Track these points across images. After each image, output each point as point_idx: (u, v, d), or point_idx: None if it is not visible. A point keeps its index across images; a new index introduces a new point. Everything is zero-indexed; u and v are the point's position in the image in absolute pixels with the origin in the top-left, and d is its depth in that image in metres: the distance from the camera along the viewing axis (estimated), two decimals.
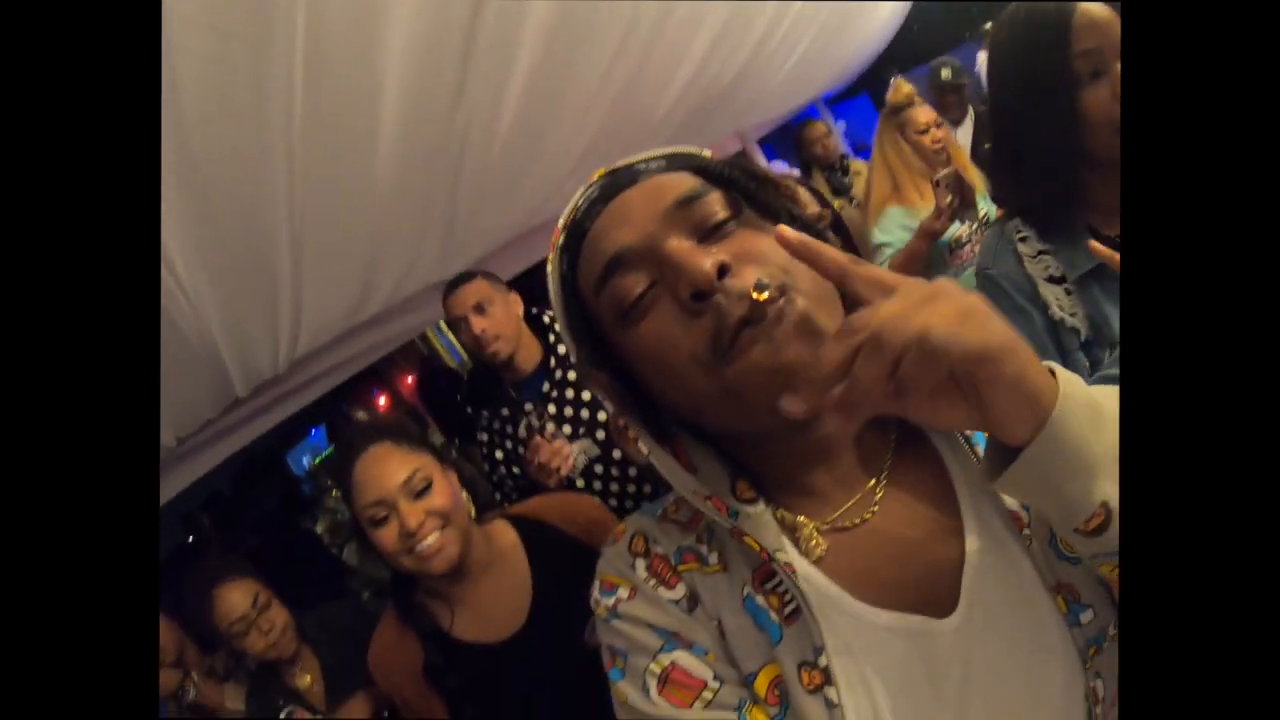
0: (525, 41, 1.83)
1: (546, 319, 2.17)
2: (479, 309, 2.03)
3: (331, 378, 2.74)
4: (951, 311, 0.49)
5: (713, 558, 0.70)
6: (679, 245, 0.62)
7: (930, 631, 0.63)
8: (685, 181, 0.67)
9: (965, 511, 0.67)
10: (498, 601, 1.40)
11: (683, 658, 0.66)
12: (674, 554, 0.72)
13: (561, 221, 0.73)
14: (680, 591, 0.69)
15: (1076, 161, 1.13)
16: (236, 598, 1.90)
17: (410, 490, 1.33)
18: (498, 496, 2.11)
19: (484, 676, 1.36)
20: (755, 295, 0.58)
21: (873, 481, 0.69)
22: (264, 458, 5.09)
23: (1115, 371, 1.02)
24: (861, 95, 8.30)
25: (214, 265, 1.66)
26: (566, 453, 1.86)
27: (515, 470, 2.06)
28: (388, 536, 1.32)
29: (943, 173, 2.24)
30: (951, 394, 0.50)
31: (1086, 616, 0.63)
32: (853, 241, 1.50)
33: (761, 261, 0.61)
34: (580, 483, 1.96)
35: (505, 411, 2.07)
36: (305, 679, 1.94)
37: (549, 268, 0.73)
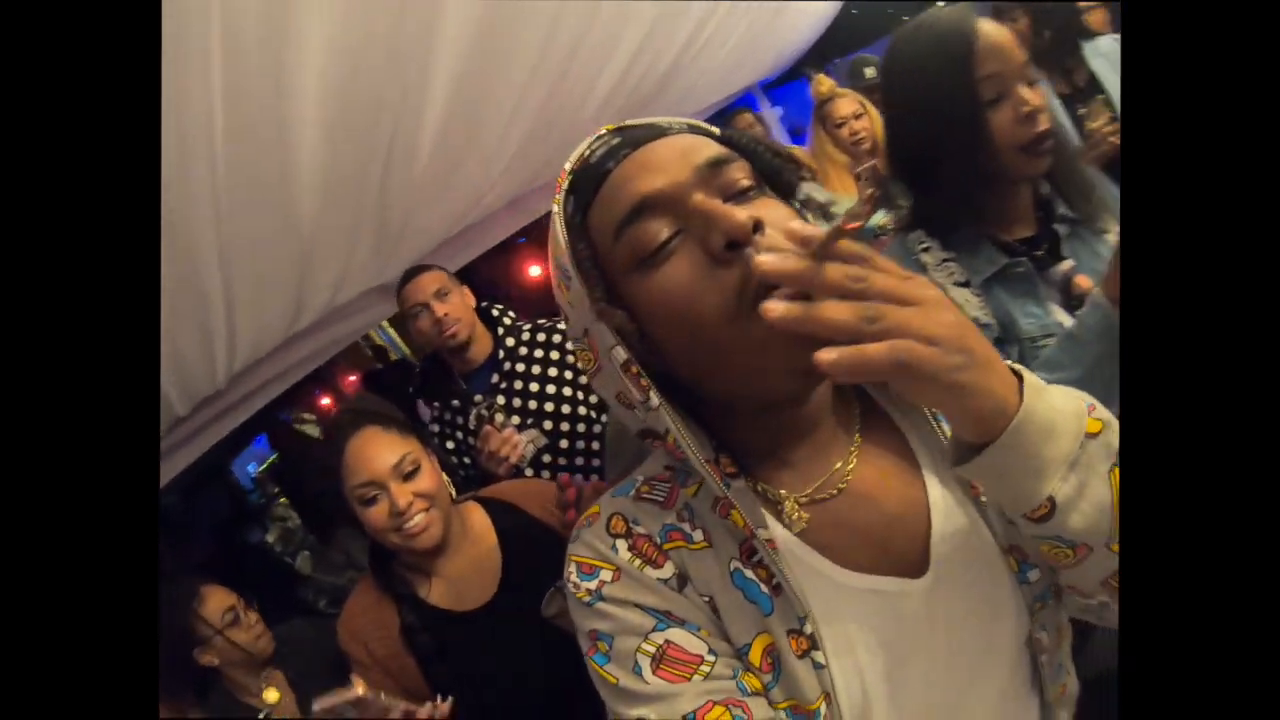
0: (447, 47, 1.83)
1: (495, 312, 2.22)
2: (439, 295, 2.10)
3: (272, 388, 2.73)
4: (953, 322, 0.54)
5: (697, 535, 0.71)
6: (711, 199, 0.63)
7: (905, 592, 0.69)
8: (713, 146, 0.68)
9: (929, 481, 0.73)
10: (470, 575, 1.49)
11: (677, 634, 0.67)
12: (659, 533, 0.72)
13: (569, 165, 0.71)
14: (669, 570, 0.70)
15: (980, 178, 1.19)
16: (222, 594, 1.90)
17: (400, 472, 1.43)
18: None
19: (457, 641, 1.44)
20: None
21: (845, 455, 0.74)
22: (209, 470, 5.00)
23: (1045, 376, 1.07)
24: (800, 80, 8.37)
25: None
26: (516, 441, 1.90)
27: (466, 460, 2.11)
28: (378, 515, 1.42)
29: (863, 166, 2.32)
30: (937, 389, 0.54)
31: (1034, 575, 0.71)
32: None
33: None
34: (529, 472, 2.01)
35: (456, 403, 2.13)
36: (272, 694, 1.93)
37: (554, 208, 0.71)
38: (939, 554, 0.70)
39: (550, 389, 2.06)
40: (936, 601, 0.69)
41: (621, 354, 0.67)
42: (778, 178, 0.72)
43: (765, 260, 0.54)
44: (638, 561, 0.70)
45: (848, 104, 2.67)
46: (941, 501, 0.72)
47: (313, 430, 5.26)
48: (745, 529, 0.67)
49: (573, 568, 0.73)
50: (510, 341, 2.13)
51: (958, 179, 1.18)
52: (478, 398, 2.05)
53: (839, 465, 0.73)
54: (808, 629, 0.66)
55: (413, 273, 2.16)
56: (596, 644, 0.69)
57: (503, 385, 2.08)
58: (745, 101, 6.59)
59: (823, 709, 0.66)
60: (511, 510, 1.58)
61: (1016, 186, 1.24)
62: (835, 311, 0.52)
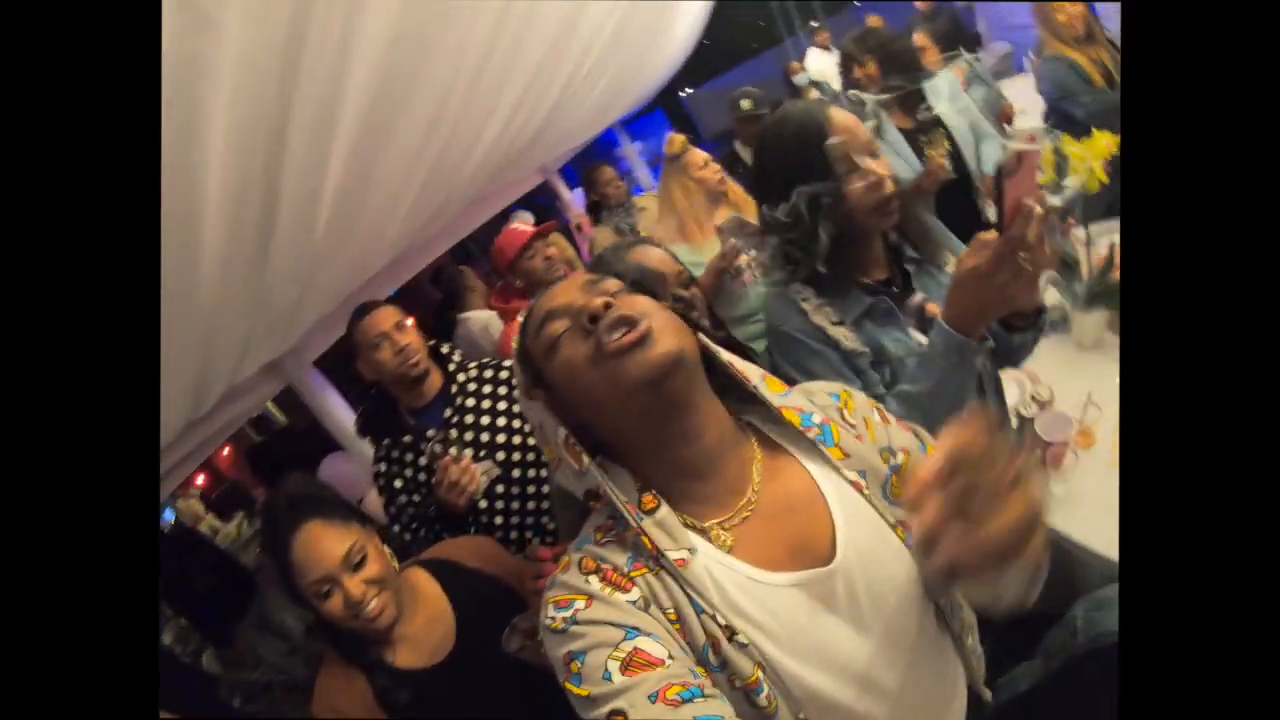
0: (348, 110, 1.81)
1: (444, 349, 2.24)
2: (398, 327, 2.11)
3: (170, 480, 2.56)
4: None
5: (654, 563, 0.88)
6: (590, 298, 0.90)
7: (819, 579, 0.88)
8: (589, 273, 0.98)
9: (820, 481, 0.93)
10: (426, 633, 1.55)
11: (644, 642, 0.81)
12: (625, 564, 0.88)
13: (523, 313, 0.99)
14: (635, 594, 0.86)
15: (841, 237, 1.40)
16: None
17: (349, 564, 1.46)
18: (395, 529, 2.13)
19: (428, 695, 1.50)
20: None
21: (753, 481, 0.93)
22: None
23: (908, 388, 1.28)
24: (656, 112, 8.64)
25: None
26: (474, 471, 1.94)
27: (415, 498, 2.08)
28: (334, 607, 1.45)
29: (725, 220, 2.63)
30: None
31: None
32: (711, 307, 1.69)
33: (632, 306, 0.88)
34: (483, 502, 2.02)
35: (407, 439, 2.11)
36: None
37: (514, 339, 0.99)
38: (844, 538, 0.89)
39: (501, 421, 2.09)
40: (850, 577, 0.88)
41: (562, 432, 0.91)
42: (642, 282, 0.99)
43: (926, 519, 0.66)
44: (608, 589, 0.86)
45: (699, 154, 2.93)
46: (835, 494, 0.92)
47: (197, 507, 4.93)
48: (652, 549, 0.86)
49: (550, 607, 0.87)
50: (461, 377, 2.16)
51: (822, 240, 1.40)
52: (430, 433, 2.07)
53: (749, 489, 0.92)
54: (720, 620, 0.84)
55: (368, 307, 2.15)
56: (570, 666, 0.81)
57: (455, 419, 2.10)
58: (607, 138, 6.74)
59: (762, 680, 0.83)
60: (452, 566, 1.66)
61: (871, 238, 1.47)
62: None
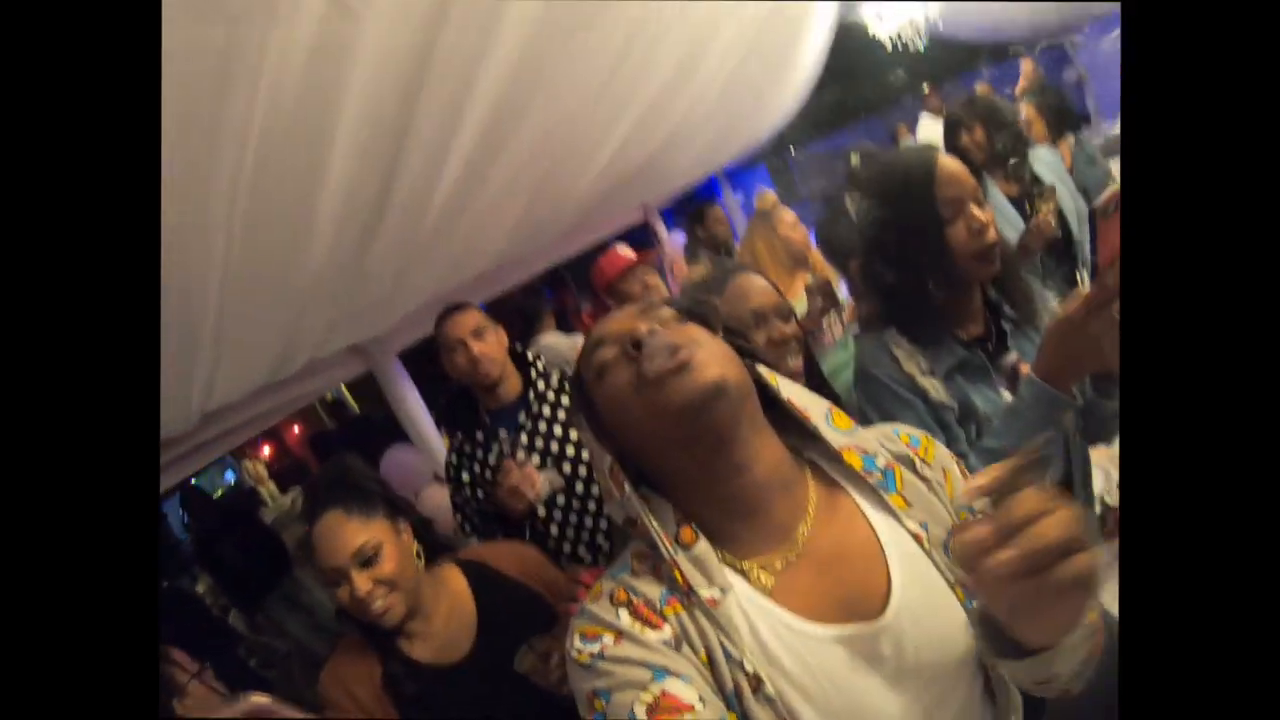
0: (464, 127, 1.92)
1: (529, 356, 2.28)
2: (477, 334, 2.14)
3: (236, 435, 2.67)
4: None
5: (687, 599, 0.84)
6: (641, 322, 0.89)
7: (864, 635, 0.81)
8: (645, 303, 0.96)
9: (883, 536, 0.87)
10: (447, 632, 1.56)
11: (673, 684, 0.77)
12: (659, 598, 0.84)
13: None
14: (668, 632, 0.82)
15: (941, 285, 1.39)
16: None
17: (359, 559, 1.47)
18: (458, 518, 2.19)
19: (436, 691, 1.50)
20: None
21: (805, 522, 0.87)
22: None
23: (992, 443, 1.26)
24: (759, 166, 8.73)
25: None
26: (536, 479, 1.98)
27: (479, 493, 2.14)
28: (342, 596, 1.48)
29: (812, 280, 2.63)
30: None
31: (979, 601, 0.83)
32: (815, 361, 1.70)
33: (679, 334, 0.86)
34: (542, 511, 2.06)
35: (479, 436, 2.17)
36: None
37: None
38: (899, 594, 0.83)
39: (574, 434, 2.11)
40: (899, 636, 0.81)
41: (608, 459, 0.89)
42: (695, 311, 0.96)
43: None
44: (638, 625, 0.82)
45: (789, 213, 3.01)
46: (894, 545, 0.86)
47: (261, 471, 5.12)
48: (684, 585, 0.83)
49: (576, 637, 0.84)
50: (541, 385, 2.20)
51: (924, 285, 1.39)
52: (502, 434, 2.12)
53: (800, 530, 0.87)
54: (748, 668, 0.78)
55: (452, 309, 2.20)
56: (594, 704, 0.79)
57: (528, 425, 2.14)
58: (710, 186, 6.83)
59: None
60: (487, 570, 1.66)
61: (970, 292, 1.44)
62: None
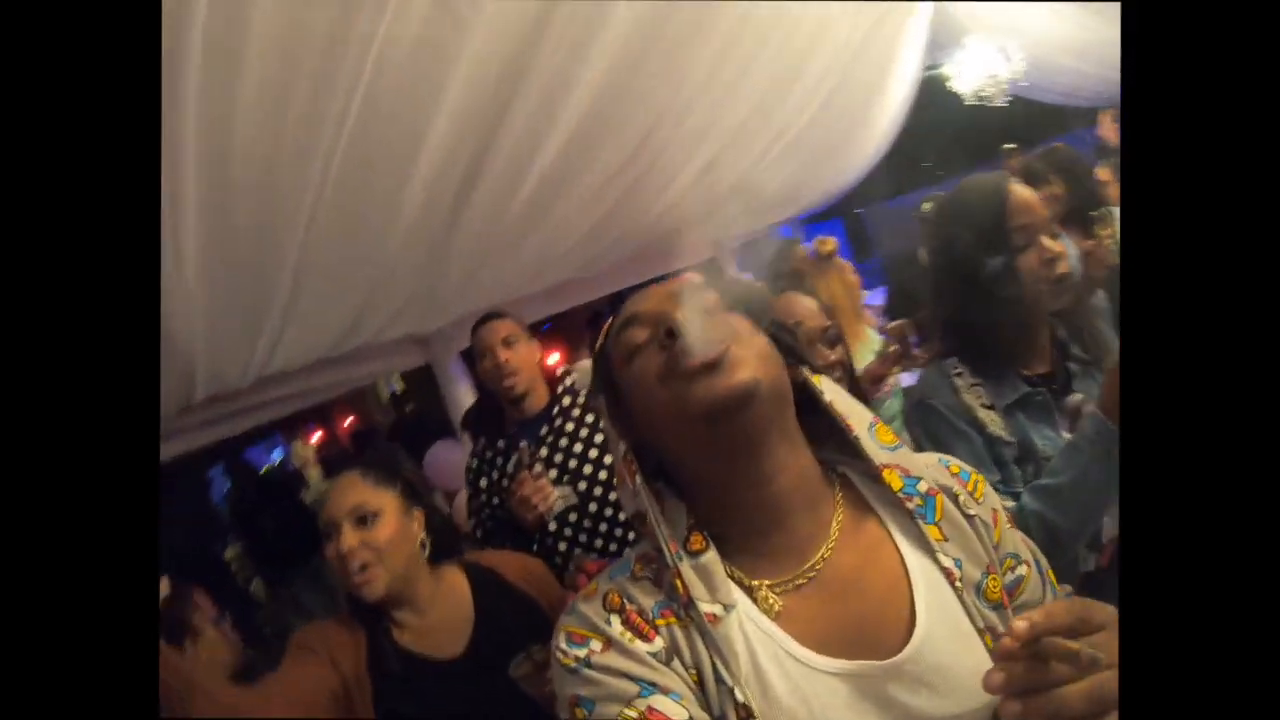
0: (551, 137, 1.97)
1: (559, 372, 2.29)
2: (507, 343, 2.15)
3: (285, 405, 2.74)
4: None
5: (684, 612, 0.77)
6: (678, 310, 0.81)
7: (872, 674, 0.73)
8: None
9: (912, 568, 0.78)
10: (439, 630, 1.53)
11: (660, 701, 0.71)
12: (652, 609, 0.78)
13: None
14: (658, 644, 0.75)
15: (1009, 316, 1.36)
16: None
17: (353, 517, 1.48)
18: (472, 522, 2.20)
19: (420, 681, 1.47)
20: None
21: (824, 542, 0.80)
22: (184, 476, 4.92)
23: (1048, 481, 1.22)
24: (834, 220, 8.69)
25: (217, 273, 1.72)
26: (548, 493, 1.97)
27: (495, 500, 2.14)
28: (330, 550, 1.49)
29: (893, 324, 2.61)
30: None
31: None
32: (857, 383, 1.66)
33: (719, 326, 0.78)
34: (553, 525, 2.05)
35: (501, 443, 2.17)
36: None
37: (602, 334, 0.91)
38: (922, 634, 0.74)
39: (593, 454, 2.10)
40: (914, 680, 0.73)
41: (623, 446, 0.82)
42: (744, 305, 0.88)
43: (996, 678, 0.59)
44: (629, 635, 0.76)
45: (848, 264, 3.10)
46: (922, 580, 0.77)
47: (310, 453, 5.22)
48: (684, 595, 0.76)
49: (562, 637, 0.78)
50: (567, 401, 2.19)
51: (991, 315, 1.35)
52: (522, 444, 2.11)
53: (819, 552, 0.79)
54: (739, 697, 0.72)
55: (489, 316, 2.22)
56: (575, 710, 0.74)
57: (549, 439, 2.13)
58: (783, 234, 6.81)
59: None
60: (491, 575, 1.64)
61: (1038, 329, 1.40)
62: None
